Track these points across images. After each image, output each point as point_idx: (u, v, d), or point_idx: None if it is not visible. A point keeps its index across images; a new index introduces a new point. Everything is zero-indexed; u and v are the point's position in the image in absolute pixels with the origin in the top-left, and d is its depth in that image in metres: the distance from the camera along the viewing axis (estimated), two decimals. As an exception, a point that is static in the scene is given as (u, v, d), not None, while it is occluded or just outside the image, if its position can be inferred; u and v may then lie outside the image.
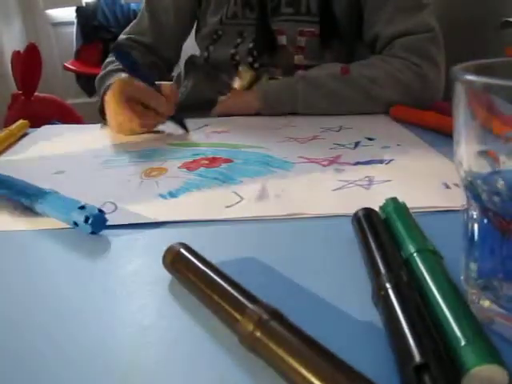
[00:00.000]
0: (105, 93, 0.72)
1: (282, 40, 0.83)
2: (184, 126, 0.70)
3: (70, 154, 0.62)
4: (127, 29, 0.93)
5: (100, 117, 0.76)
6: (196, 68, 0.94)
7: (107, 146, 0.66)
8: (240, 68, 0.85)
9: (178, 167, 0.54)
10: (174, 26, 0.89)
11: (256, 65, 0.84)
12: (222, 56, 0.86)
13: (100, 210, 0.38)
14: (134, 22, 0.92)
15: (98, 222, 0.38)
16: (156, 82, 0.68)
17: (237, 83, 0.87)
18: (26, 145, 0.68)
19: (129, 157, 0.60)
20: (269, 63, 0.84)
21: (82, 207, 0.38)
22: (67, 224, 0.39)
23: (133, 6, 2.55)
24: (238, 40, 0.85)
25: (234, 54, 0.85)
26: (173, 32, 0.90)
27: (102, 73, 0.82)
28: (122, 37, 0.92)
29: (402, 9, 0.77)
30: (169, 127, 0.71)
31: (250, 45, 0.83)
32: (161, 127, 0.71)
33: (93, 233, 0.38)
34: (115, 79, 0.71)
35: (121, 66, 0.76)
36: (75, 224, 0.38)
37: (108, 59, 0.85)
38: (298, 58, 0.84)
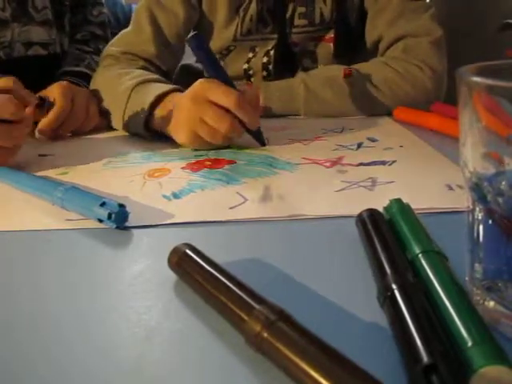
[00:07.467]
0: (156, 104, 0.63)
1: (296, 50, 0.83)
2: (260, 139, 0.61)
3: (73, 156, 0.62)
4: (116, 41, 0.81)
5: (143, 133, 0.65)
6: (191, 76, 0.92)
7: (109, 146, 0.66)
8: (252, 80, 0.85)
9: (182, 168, 0.54)
10: (180, 36, 0.81)
11: (270, 78, 0.84)
12: (232, 70, 0.83)
13: (121, 205, 0.40)
14: (128, 33, 0.80)
15: (120, 217, 0.39)
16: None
17: None
18: (28, 146, 0.69)
19: (132, 158, 0.60)
20: (283, 75, 0.83)
21: (103, 204, 0.40)
22: (91, 219, 0.41)
23: (134, 7, 2.54)
24: (250, 54, 0.85)
25: (246, 69, 0.85)
26: (177, 44, 0.82)
27: (130, 83, 0.68)
28: (112, 49, 0.80)
29: (404, 12, 0.78)
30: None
31: (264, 59, 0.83)
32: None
33: (117, 227, 0.39)
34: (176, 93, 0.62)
35: (155, 76, 0.69)
36: (99, 220, 0.40)
37: (119, 70, 0.74)
38: (308, 62, 0.84)
